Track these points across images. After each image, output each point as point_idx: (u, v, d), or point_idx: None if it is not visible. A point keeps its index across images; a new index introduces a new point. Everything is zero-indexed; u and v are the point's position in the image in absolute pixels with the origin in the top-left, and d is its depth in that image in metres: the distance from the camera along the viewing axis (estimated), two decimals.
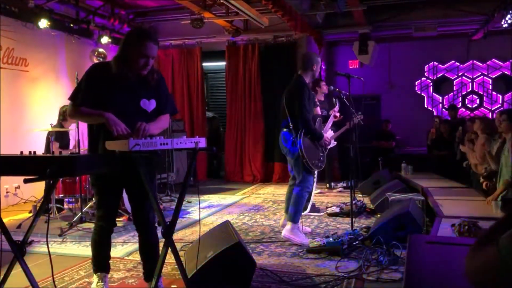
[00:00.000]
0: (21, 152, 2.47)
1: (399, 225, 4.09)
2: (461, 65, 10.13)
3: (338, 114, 5.60)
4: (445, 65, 10.23)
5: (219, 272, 3.09)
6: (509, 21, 7.42)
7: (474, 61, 10.02)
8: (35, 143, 5.90)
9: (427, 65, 10.34)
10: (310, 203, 5.68)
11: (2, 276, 2.59)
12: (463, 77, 10.17)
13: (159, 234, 2.75)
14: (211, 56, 9.86)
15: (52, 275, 2.71)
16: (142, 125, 2.70)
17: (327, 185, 7.75)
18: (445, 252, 2.40)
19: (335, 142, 6.86)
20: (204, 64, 9.59)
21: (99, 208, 3.01)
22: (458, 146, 7.06)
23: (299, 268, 3.70)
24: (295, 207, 4.47)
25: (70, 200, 5.76)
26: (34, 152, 2.45)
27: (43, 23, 6.66)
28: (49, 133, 5.68)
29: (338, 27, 9.10)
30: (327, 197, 7.02)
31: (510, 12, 7.23)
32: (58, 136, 5.78)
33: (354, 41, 9.05)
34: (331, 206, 5.96)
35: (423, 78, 10.40)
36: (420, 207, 4.75)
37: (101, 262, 3.08)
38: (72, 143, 6.08)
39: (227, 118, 9.28)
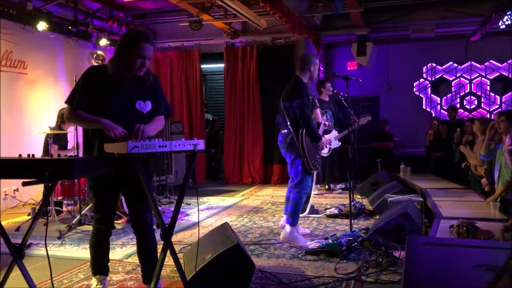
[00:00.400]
0: (20, 155, 2.47)
1: (398, 227, 4.09)
2: (459, 66, 10.16)
3: (327, 123, 5.67)
4: (443, 66, 10.26)
5: (218, 274, 3.09)
6: (506, 22, 7.45)
7: (472, 62, 10.05)
8: (34, 146, 5.89)
9: (425, 67, 10.37)
10: (309, 204, 5.68)
11: (0, 279, 2.59)
12: (461, 78, 10.20)
13: (158, 237, 2.75)
14: (209, 58, 9.87)
15: (51, 278, 2.70)
16: (140, 127, 2.71)
17: (326, 186, 7.75)
18: (444, 253, 2.40)
19: (339, 143, 6.88)
20: (202, 66, 9.60)
21: (96, 211, 3.01)
22: (457, 147, 7.07)
23: (298, 269, 3.70)
24: (293, 210, 4.44)
25: (69, 202, 5.75)
26: (33, 155, 2.45)
27: (42, 25, 6.66)
28: (48, 136, 5.68)
29: (336, 29, 9.12)
30: (326, 199, 7.02)
31: (508, 13, 7.26)
32: (57, 139, 5.77)
33: (352, 42, 9.07)
34: (330, 208, 5.97)
35: (421, 80, 10.43)
36: (418, 208, 4.75)
37: (100, 265, 3.08)
38: (70, 145, 6.08)
39: (225, 120, 9.29)
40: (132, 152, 2.35)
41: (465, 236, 3.39)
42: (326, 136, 6.54)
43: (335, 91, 5.72)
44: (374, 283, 3.34)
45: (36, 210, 5.12)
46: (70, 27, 7.52)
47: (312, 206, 5.83)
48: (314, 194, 7.16)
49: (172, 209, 3.02)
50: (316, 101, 5.95)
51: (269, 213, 6.04)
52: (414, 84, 10.46)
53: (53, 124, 5.84)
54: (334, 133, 6.90)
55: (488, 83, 10.04)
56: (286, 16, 7.02)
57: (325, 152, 6.57)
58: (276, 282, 3.40)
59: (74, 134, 5.38)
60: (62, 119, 5.72)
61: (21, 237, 2.62)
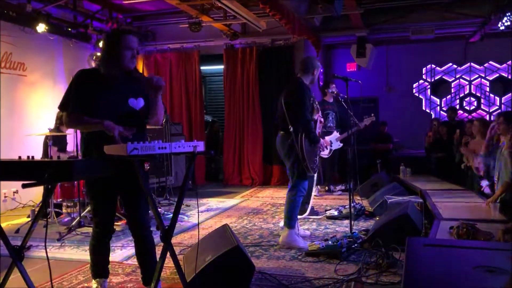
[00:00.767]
0: (20, 157, 2.46)
1: (398, 228, 4.09)
2: (459, 68, 10.17)
3: (322, 119, 5.65)
4: (443, 68, 10.27)
5: (218, 276, 3.09)
6: (506, 24, 7.45)
7: (472, 64, 10.06)
8: (33, 148, 5.88)
9: (424, 68, 10.38)
10: (309, 206, 5.67)
11: (0, 281, 2.59)
12: (461, 79, 10.20)
13: (157, 238, 2.75)
14: (209, 60, 9.87)
15: (51, 280, 2.70)
16: (154, 78, 2.86)
17: (326, 187, 7.75)
18: (444, 254, 2.40)
19: (341, 144, 6.88)
20: (202, 67, 9.60)
21: (95, 215, 3.02)
22: (457, 148, 7.07)
23: (298, 271, 3.69)
24: (291, 213, 4.41)
25: (69, 204, 5.75)
26: (32, 157, 2.45)
27: (41, 27, 6.67)
28: (47, 138, 5.68)
29: (335, 30, 9.12)
30: (325, 200, 7.01)
31: (507, 14, 7.27)
32: (56, 141, 5.77)
33: (351, 44, 9.08)
34: (330, 209, 5.96)
35: (421, 81, 10.44)
36: (418, 210, 4.75)
37: (99, 267, 3.08)
38: (69, 147, 6.08)
39: (225, 121, 9.28)
40: (131, 154, 2.35)
41: (465, 237, 3.39)
42: (327, 137, 6.55)
43: (335, 92, 5.72)
44: (374, 284, 3.34)
45: (36, 212, 5.12)
46: (69, 29, 7.54)
47: (312, 208, 5.82)
48: (314, 195, 7.16)
49: (172, 211, 3.01)
50: (317, 103, 5.94)
51: (269, 215, 6.04)
52: (414, 85, 10.47)
53: (52, 126, 5.84)
54: (336, 134, 6.91)
55: (488, 84, 10.05)
56: (285, 18, 7.03)
57: (325, 153, 6.57)
58: (276, 284, 3.39)
59: (73, 136, 5.38)
60: (61, 121, 5.72)
61: (20, 239, 2.61)
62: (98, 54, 7.84)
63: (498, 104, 10.00)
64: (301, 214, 5.18)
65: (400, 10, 8.36)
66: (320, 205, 6.54)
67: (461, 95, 10.24)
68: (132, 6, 8.11)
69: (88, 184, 2.98)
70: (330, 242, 4.06)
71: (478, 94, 10.13)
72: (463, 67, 10.13)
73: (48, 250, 2.74)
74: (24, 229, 5.06)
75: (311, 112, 4.48)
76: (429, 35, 8.63)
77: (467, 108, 10.20)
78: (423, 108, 10.43)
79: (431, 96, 10.40)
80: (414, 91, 10.47)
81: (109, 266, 3.16)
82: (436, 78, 10.35)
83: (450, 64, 10.21)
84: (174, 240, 4.07)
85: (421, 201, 4.97)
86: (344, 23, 8.56)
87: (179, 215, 3.37)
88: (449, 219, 4.04)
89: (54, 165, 2.29)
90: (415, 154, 9.28)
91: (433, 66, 10.31)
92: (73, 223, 5.09)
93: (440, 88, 10.38)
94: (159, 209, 5.60)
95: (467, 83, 10.17)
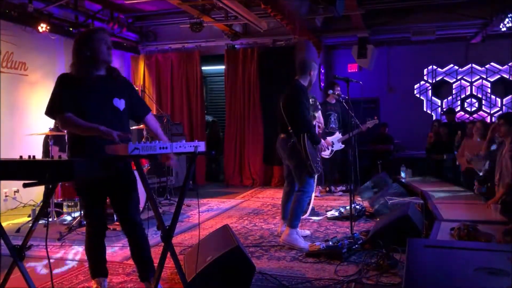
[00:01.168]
0: (21, 156, 2.47)
1: (399, 229, 4.09)
2: (460, 69, 10.16)
3: (321, 125, 5.70)
4: (444, 69, 10.26)
5: (219, 276, 3.09)
6: (507, 25, 7.45)
7: (473, 65, 10.05)
8: (34, 147, 5.89)
9: (426, 69, 10.37)
10: (310, 206, 5.68)
11: (1, 281, 2.59)
12: (462, 80, 10.19)
13: (158, 238, 2.76)
14: (210, 60, 9.87)
15: (51, 280, 2.70)
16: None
17: (327, 188, 7.75)
18: (445, 256, 2.40)
19: (343, 145, 6.88)
20: (203, 67, 9.60)
21: (87, 215, 3.06)
22: (458, 149, 7.06)
23: (298, 272, 3.69)
24: (295, 213, 4.42)
25: (70, 204, 5.75)
26: (34, 157, 2.45)
27: (43, 27, 6.67)
28: (48, 137, 5.68)
29: (337, 31, 9.12)
30: (326, 201, 7.01)
31: (509, 16, 7.26)
32: (57, 140, 5.77)
33: (353, 44, 9.07)
34: (331, 210, 5.96)
35: (422, 82, 10.43)
36: (419, 211, 4.75)
37: (98, 267, 3.10)
38: None
39: (226, 122, 9.28)
40: (132, 154, 2.35)
41: (466, 238, 3.39)
42: (329, 138, 6.55)
43: (336, 93, 5.72)
44: (374, 285, 3.33)
45: (37, 212, 5.12)
46: (71, 29, 7.54)
47: (313, 208, 5.82)
48: (316, 196, 7.17)
49: (173, 211, 3.02)
50: (318, 104, 5.94)
51: (270, 215, 6.04)
52: (415, 86, 10.46)
53: (53, 126, 5.84)
54: (338, 135, 6.91)
55: (489, 86, 10.04)
56: (287, 18, 7.03)
57: (326, 153, 6.57)
58: (277, 285, 3.39)
59: None
60: None
61: (21, 239, 2.62)
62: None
63: (499, 106, 9.99)
64: (302, 215, 5.17)
65: (401, 11, 8.36)
66: (321, 205, 6.54)
67: (462, 97, 10.23)
68: (133, 6, 8.12)
69: (78, 185, 2.99)
70: (330, 243, 4.06)
71: (479, 96, 10.12)
72: (464, 68, 10.12)
73: (48, 249, 2.74)
74: (24, 229, 5.06)
75: (310, 112, 4.51)
76: (430, 36, 8.63)
77: (468, 109, 10.19)
78: (424, 109, 10.42)
79: (432, 97, 10.40)
80: (415, 92, 10.46)
81: (110, 266, 3.17)
82: (437, 79, 10.34)
83: (451, 65, 10.20)
84: (174, 240, 4.07)
85: (421, 202, 4.97)
86: (345, 24, 8.56)
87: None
88: (450, 220, 4.04)
89: (55, 164, 2.29)
90: (416, 155, 9.27)
91: (434, 67, 10.30)
92: (74, 222, 5.09)
93: (441, 89, 10.37)
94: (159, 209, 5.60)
95: (468, 84, 10.16)
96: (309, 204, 5.50)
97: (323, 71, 9.72)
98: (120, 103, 2.96)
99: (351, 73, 9.96)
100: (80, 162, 2.38)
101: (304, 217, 5.45)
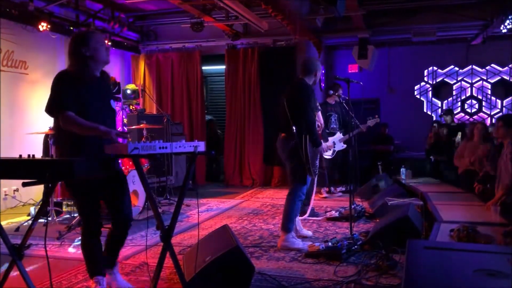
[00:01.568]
0: (20, 155, 2.47)
1: (398, 230, 4.08)
2: (460, 70, 10.17)
3: (321, 124, 5.67)
4: (444, 70, 10.26)
5: (218, 277, 3.09)
6: (508, 26, 7.45)
7: (473, 66, 10.06)
8: (34, 147, 5.89)
9: (426, 70, 10.37)
10: (310, 207, 5.67)
11: (0, 280, 2.59)
12: (462, 82, 10.19)
13: (157, 238, 2.76)
14: (210, 60, 9.87)
15: (50, 279, 2.70)
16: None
17: (327, 189, 7.73)
18: (444, 257, 2.40)
19: (344, 145, 6.88)
20: (203, 67, 9.59)
21: (82, 214, 3.07)
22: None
23: (297, 272, 3.69)
24: (288, 217, 4.38)
25: (69, 203, 5.75)
26: (33, 156, 2.45)
27: (43, 26, 6.67)
28: (48, 136, 5.68)
29: (337, 31, 9.12)
30: (326, 201, 7.01)
31: (509, 17, 7.26)
32: None
33: (353, 45, 9.06)
34: (330, 211, 5.95)
35: (422, 83, 10.43)
36: (419, 212, 4.75)
37: (95, 265, 3.10)
38: None
39: (226, 122, 9.28)
40: (132, 153, 2.35)
41: (465, 240, 3.38)
42: (330, 139, 6.55)
43: (337, 93, 5.72)
44: (374, 286, 3.33)
45: (36, 211, 5.12)
46: (71, 28, 7.53)
47: (312, 209, 5.81)
48: (323, 197, 7.17)
49: (172, 210, 3.02)
50: (318, 104, 5.94)
51: (269, 216, 6.03)
52: (415, 87, 10.46)
53: (53, 125, 5.83)
54: (339, 135, 6.91)
55: (489, 87, 10.04)
56: (287, 18, 7.03)
57: (329, 154, 6.57)
58: (276, 285, 3.39)
59: None
60: None
61: (20, 238, 2.62)
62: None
63: (499, 107, 10.00)
64: (301, 216, 5.17)
65: (402, 12, 8.36)
66: (320, 206, 6.54)
67: (462, 98, 10.23)
68: (134, 5, 8.12)
69: (72, 185, 2.98)
70: (330, 244, 4.05)
71: (480, 97, 10.12)
72: (465, 69, 10.12)
73: (47, 249, 2.74)
74: (24, 228, 5.06)
75: (314, 114, 4.47)
76: (431, 37, 8.63)
77: (468, 110, 10.20)
78: (424, 110, 10.42)
79: (433, 98, 10.40)
80: (415, 93, 10.46)
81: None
82: (437, 80, 10.34)
83: (452, 66, 10.20)
84: (173, 240, 4.07)
85: (421, 203, 4.97)
86: (346, 24, 8.56)
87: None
88: (450, 222, 4.04)
89: (55, 164, 2.29)
90: (416, 156, 9.27)
91: (435, 68, 10.30)
92: (73, 222, 5.08)
93: (441, 90, 10.37)
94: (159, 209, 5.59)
95: (468, 85, 10.16)
96: (309, 204, 5.49)
97: (323, 71, 9.71)
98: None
99: (351, 74, 9.96)
100: (80, 162, 2.38)
101: (303, 217, 5.44)
